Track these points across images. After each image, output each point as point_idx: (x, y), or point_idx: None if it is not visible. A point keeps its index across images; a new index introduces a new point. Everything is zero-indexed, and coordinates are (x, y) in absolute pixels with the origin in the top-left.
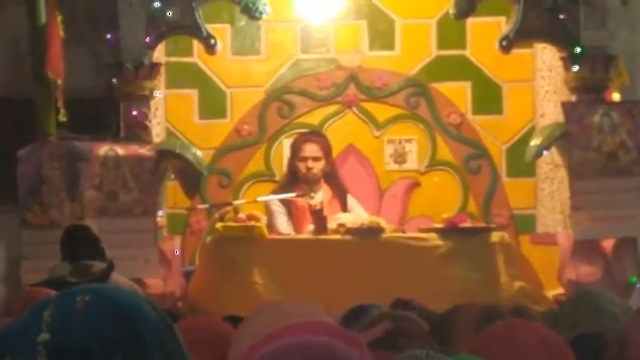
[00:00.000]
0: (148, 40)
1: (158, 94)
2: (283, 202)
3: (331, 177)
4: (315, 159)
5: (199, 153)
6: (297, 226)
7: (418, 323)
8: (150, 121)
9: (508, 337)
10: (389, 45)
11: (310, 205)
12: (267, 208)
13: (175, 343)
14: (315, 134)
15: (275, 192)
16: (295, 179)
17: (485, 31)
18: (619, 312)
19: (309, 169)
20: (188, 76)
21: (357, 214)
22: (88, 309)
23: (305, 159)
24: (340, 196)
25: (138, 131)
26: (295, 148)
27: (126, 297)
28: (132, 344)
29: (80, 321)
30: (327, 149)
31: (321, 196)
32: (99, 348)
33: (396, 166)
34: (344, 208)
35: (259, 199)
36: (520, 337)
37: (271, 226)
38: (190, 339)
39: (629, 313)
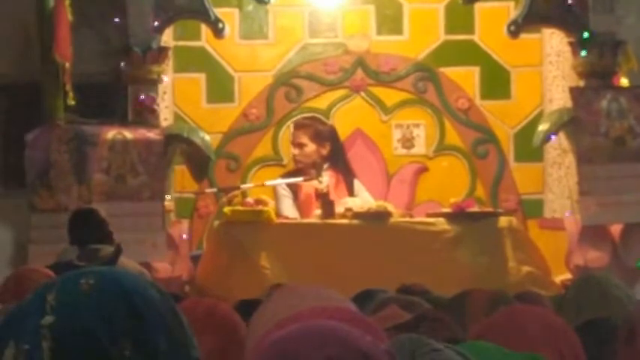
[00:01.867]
0: (155, 24)
1: (166, 78)
2: (290, 186)
3: (337, 161)
4: (299, 145)
5: (207, 137)
6: (303, 210)
7: (430, 308)
8: (158, 105)
9: (511, 322)
10: (397, 29)
11: (317, 190)
12: (274, 193)
13: (180, 326)
14: (305, 119)
15: (283, 176)
16: None
17: (494, 16)
18: (624, 297)
19: (293, 155)
20: (196, 61)
21: (364, 199)
22: (93, 292)
23: (292, 145)
24: (347, 180)
25: (146, 115)
26: None
27: (130, 280)
28: (136, 327)
29: (84, 304)
30: (315, 134)
31: (328, 180)
32: (103, 331)
33: (403, 151)
34: (351, 193)
35: (267, 183)
36: (523, 323)
37: (277, 210)
38: (191, 320)
39: (635, 299)
